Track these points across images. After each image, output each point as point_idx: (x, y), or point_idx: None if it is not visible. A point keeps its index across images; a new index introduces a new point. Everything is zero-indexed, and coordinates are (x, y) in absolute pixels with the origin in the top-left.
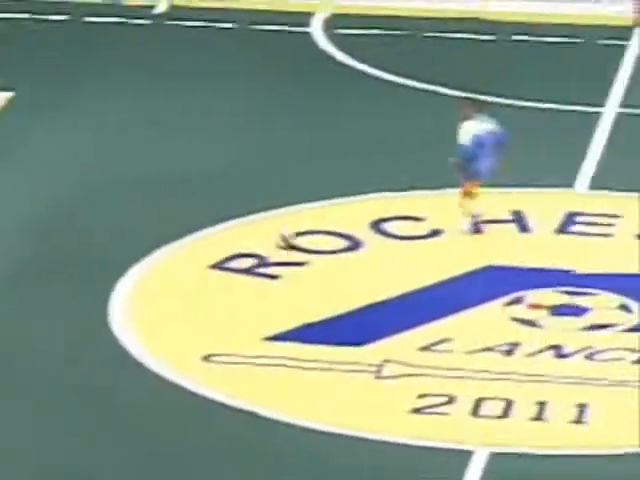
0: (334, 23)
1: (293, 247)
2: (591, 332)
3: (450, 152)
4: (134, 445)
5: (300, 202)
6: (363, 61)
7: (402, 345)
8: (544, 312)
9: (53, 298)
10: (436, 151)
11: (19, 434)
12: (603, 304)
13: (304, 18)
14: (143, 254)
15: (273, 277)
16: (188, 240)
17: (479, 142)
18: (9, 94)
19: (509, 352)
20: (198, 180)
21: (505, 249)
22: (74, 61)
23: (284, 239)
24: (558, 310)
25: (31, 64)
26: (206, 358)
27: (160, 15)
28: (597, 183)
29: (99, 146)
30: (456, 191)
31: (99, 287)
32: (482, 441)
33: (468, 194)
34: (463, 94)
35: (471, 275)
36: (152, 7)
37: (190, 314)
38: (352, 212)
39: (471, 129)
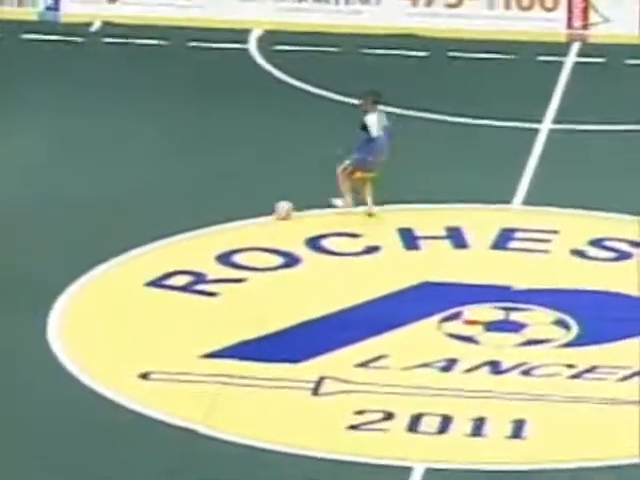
0: (270, 40)
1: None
2: (528, 348)
3: (389, 170)
4: (70, 463)
5: (236, 219)
6: (299, 78)
7: (339, 362)
8: (480, 328)
9: None
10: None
11: None
12: (539, 320)
13: (242, 35)
14: (81, 272)
15: (211, 294)
16: (125, 258)
17: (385, 132)
18: None
19: (446, 368)
20: (134, 197)
21: (441, 265)
22: (6, 77)
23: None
24: (494, 326)
25: None
26: (144, 376)
27: (97, 32)
28: (533, 199)
29: (33, 163)
30: (392, 207)
31: (37, 305)
32: (420, 457)
33: (363, 180)
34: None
35: (407, 291)
36: (89, 25)
37: (127, 332)
38: (289, 229)
39: (375, 121)
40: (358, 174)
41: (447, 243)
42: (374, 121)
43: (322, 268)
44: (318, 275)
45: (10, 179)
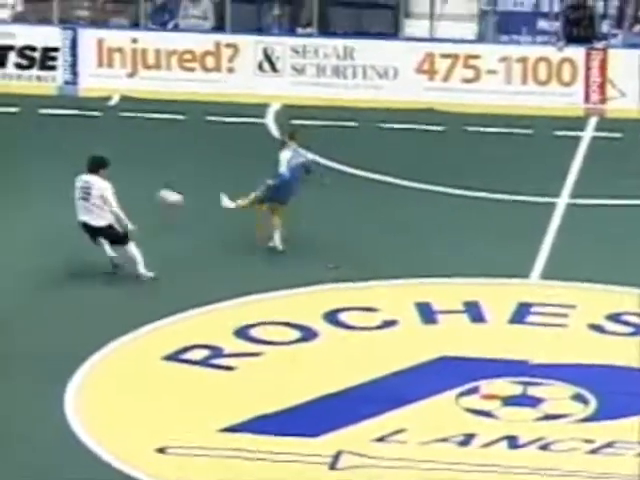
0: (287, 114)
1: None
2: (546, 422)
3: (410, 241)
4: None
5: (252, 293)
6: (317, 152)
7: (356, 436)
8: (498, 403)
9: (8, 387)
10: (388, 241)
11: None
12: (558, 394)
13: (259, 109)
14: (99, 345)
15: (228, 368)
16: (142, 331)
17: (293, 173)
18: None
19: (464, 443)
20: (152, 270)
21: (459, 339)
22: (25, 152)
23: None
24: (512, 400)
25: None
26: (160, 450)
27: (115, 107)
28: (551, 273)
29: (49, 236)
30: (409, 281)
31: (55, 377)
32: None
33: (275, 212)
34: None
35: (425, 366)
36: (108, 99)
37: (144, 406)
38: (306, 303)
39: (287, 159)
40: (276, 208)
41: (465, 317)
42: (286, 158)
43: (339, 342)
44: (335, 349)
45: (23, 251)
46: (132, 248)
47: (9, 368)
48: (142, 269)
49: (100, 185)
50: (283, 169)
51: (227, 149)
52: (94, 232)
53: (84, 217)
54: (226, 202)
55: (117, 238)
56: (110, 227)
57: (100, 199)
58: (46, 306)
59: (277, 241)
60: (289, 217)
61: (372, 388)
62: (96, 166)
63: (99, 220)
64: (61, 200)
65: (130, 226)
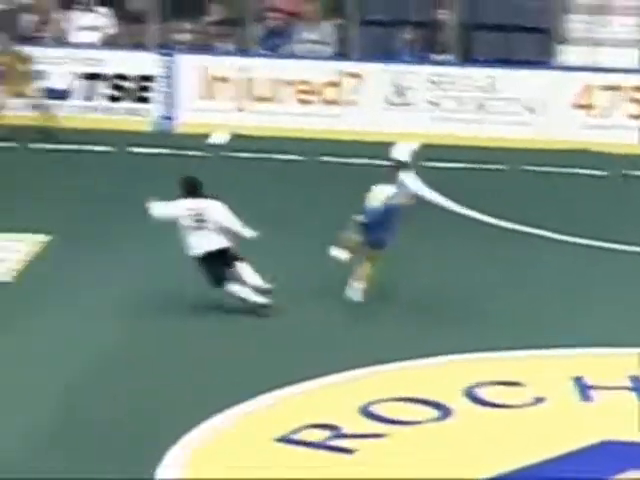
0: (419, 154)
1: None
2: None
3: (559, 303)
4: None
5: (377, 363)
6: (454, 198)
7: None
8: None
9: (95, 465)
10: (533, 304)
11: None
12: None
13: (387, 149)
14: (197, 421)
15: (348, 451)
16: (250, 407)
17: (389, 210)
18: (45, 237)
19: None
20: (248, 345)
21: (624, 421)
22: (113, 198)
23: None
24: None
25: (70, 200)
26: None
27: (218, 145)
28: None
29: (145, 292)
30: (561, 351)
31: (146, 456)
32: None
33: (369, 259)
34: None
35: (583, 452)
36: (208, 136)
37: None
38: (440, 375)
39: (386, 195)
40: (372, 255)
41: (629, 394)
42: (385, 194)
43: (478, 422)
44: (474, 431)
45: (119, 310)
46: (247, 267)
47: (98, 440)
48: (255, 297)
49: (212, 205)
50: (375, 205)
51: (347, 196)
52: (219, 257)
53: (207, 245)
54: (337, 253)
55: (236, 258)
56: (232, 248)
57: (214, 222)
58: (137, 370)
59: (358, 292)
60: (405, 272)
61: (518, 478)
62: (195, 188)
63: (224, 241)
64: (159, 254)
65: (250, 233)
